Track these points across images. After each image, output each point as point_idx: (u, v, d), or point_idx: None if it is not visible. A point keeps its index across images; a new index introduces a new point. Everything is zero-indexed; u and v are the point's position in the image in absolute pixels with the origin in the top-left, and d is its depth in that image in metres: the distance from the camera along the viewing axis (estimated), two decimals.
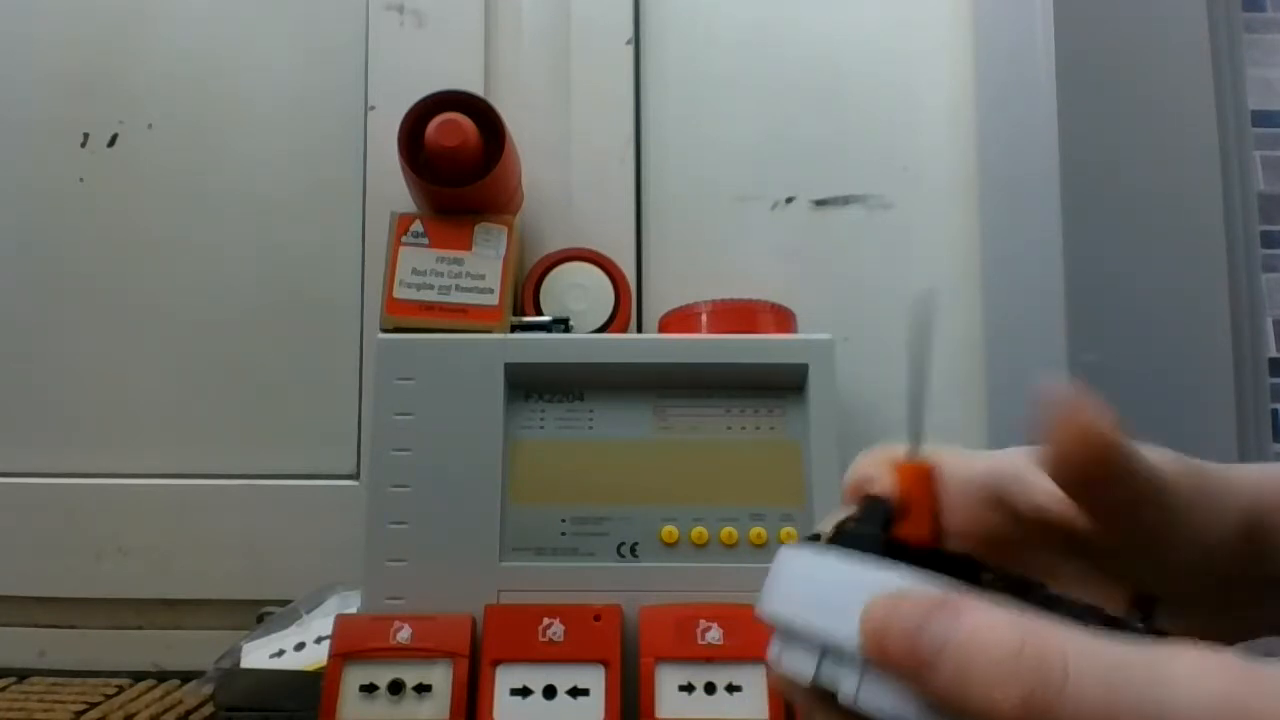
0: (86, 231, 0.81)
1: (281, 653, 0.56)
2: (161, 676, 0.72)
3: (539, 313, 0.72)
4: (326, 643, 0.50)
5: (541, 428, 0.56)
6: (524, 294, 0.73)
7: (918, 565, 0.20)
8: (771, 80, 0.81)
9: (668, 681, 0.48)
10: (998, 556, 0.26)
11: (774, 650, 0.23)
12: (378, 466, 0.54)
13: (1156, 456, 0.24)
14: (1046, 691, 0.16)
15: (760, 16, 0.82)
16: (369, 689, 0.48)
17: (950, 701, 0.17)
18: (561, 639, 0.49)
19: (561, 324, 0.69)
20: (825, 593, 0.21)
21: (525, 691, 0.48)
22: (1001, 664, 0.17)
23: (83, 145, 0.82)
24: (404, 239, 0.69)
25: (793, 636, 0.22)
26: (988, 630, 0.17)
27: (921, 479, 0.23)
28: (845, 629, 0.20)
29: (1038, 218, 0.72)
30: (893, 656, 0.18)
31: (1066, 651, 0.17)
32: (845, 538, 0.23)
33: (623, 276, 0.73)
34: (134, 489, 0.77)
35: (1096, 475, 0.23)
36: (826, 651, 0.21)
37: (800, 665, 0.21)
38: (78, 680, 0.71)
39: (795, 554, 0.23)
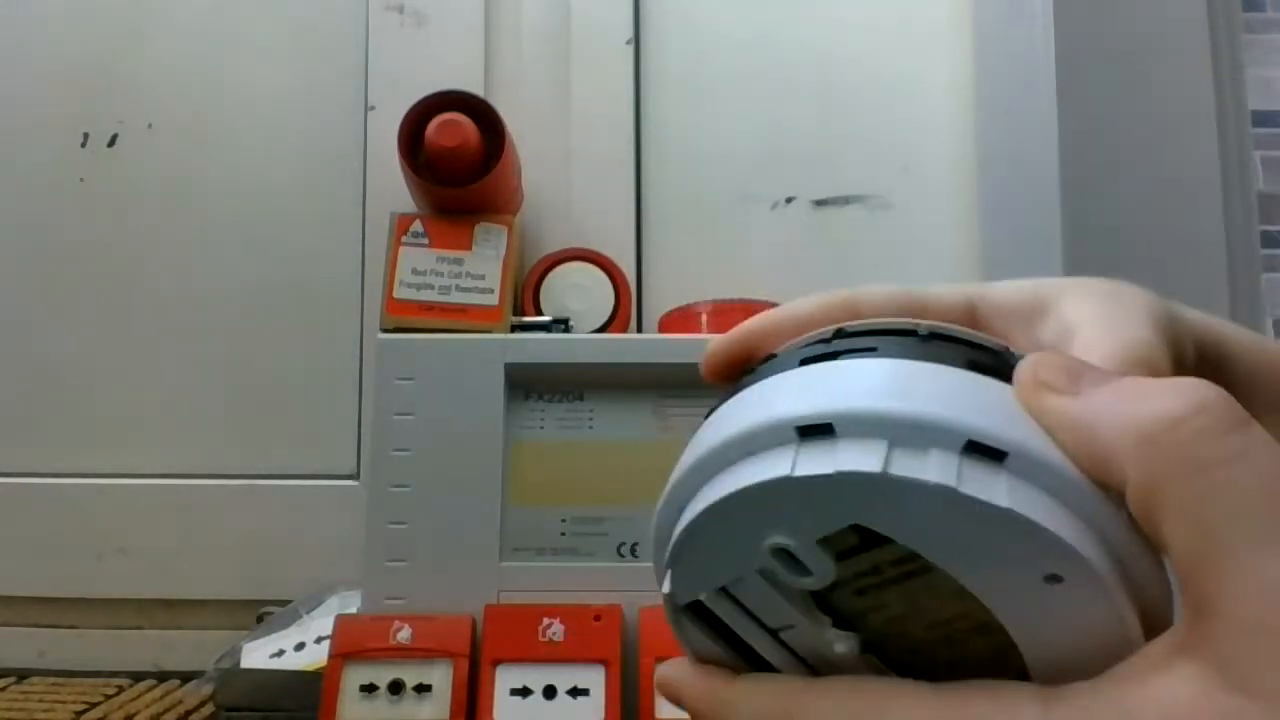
0: (86, 231, 0.81)
1: (281, 653, 0.56)
2: (161, 676, 0.72)
3: (539, 313, 0.72)
4: (326, 643, 0.50)
5: (541, 428, 0.56)
6: (524, 294, 0.73)
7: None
8: (771, 80, 0.81)
9: None
10: None
11: (726, 470, 0.18)
12: (378, 466, 0.54)
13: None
14: (1220, 424, 0.14)
15: (760, 16, 0.82)
16: (369, 689, 0.48)
17: (1099, 422, 0.15)
18: (561, 639, 0.49)
19: (561, 324, 0.69)
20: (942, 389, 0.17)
21: (525, 691, 0.48)
22: (1178, 390, 0.15)
23: (83, 145, 0.82)
24: (404, 239, 0.69)
25: (750, 444, 0.17)
26: (1159, 379, 0.16)
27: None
28: (932, 405, 0.16)
29: (1038, 218, 0.72)
30: (1046, 377, 0.16)
31: (1253, 422, 0.15)
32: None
33: (623, 276, 0.73)
34: (134, 489, 0.77)
35: None
36: (895, 441, 0.16)
37: (860, 456, 0.16)
38: (78, 680, 0.71)
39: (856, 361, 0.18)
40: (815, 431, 0.16)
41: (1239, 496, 0.14)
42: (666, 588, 0.19)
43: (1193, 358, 0.23)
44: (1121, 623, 0.15)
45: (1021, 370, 0.17)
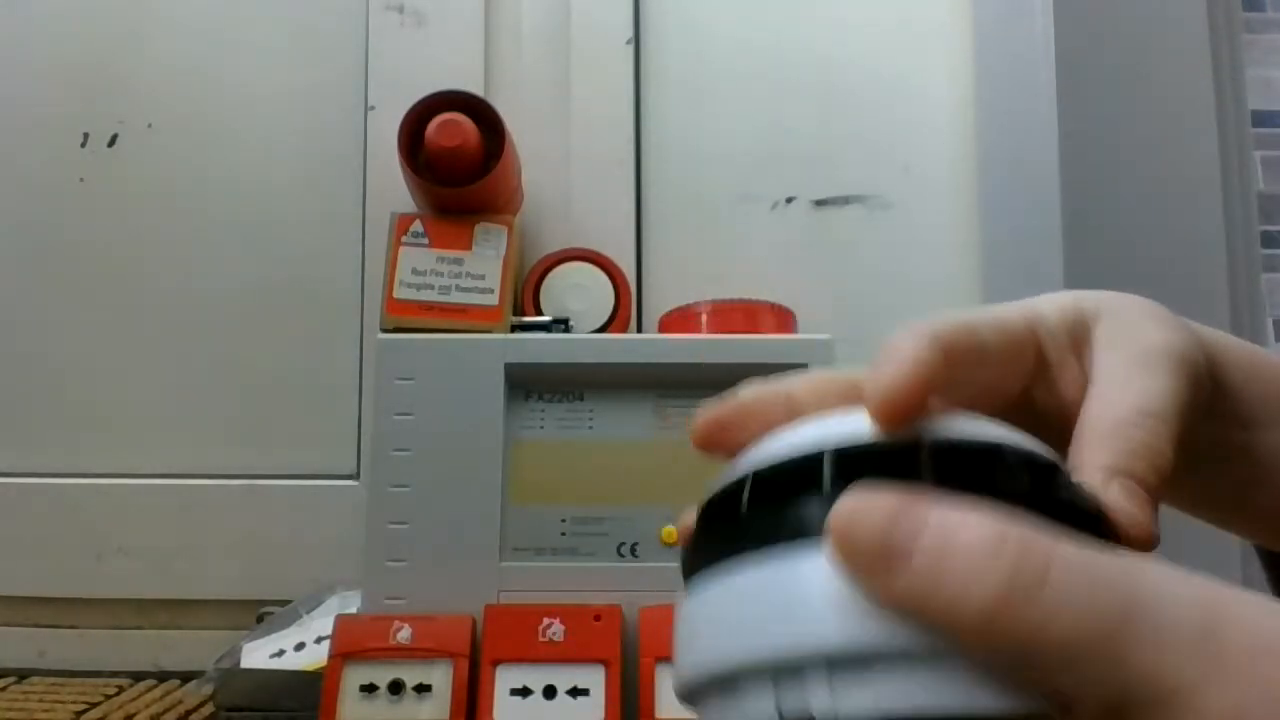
0: (86, 231, 0.81)
1: (281, 653, 0.56)
2: (161, 676, 0.72)
3: (539, 313, 0.72)
4: (326, 643, 0.50)
5: (541, 428, 0.56)
6: (524, 294, 0.73)
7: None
8: (771, 80, 0.81)
9: (668, 681, 0.48)
10: None
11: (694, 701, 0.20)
12: (378, 466, 0.54)
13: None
14: (1028, 584, 0.16)
15: (760, 16, 0.82)
16: (369, 689, 0.48)
17: (921, 598, 0.16)
18: (561, 639, 0.49)
19: (561, 324, 0.69)
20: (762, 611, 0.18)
21: (525, 691, 0.48)
22: (981, 555, 0.16)
23: (83, 145, 0.82)
24: (404, 239, 0.69)
25: (731, 688, 0.19)
26: (965, 523, 0.17)
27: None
28: (795, 629, 0.17)
29: (1038, 217, 0.72)
30: (863, 550, 0.17)
31: (1051, 550, 0.16)
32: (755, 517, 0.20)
33: (623, 276, 0.73)
34: (134, 489, 0.77)
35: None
36: (778, 679, 0.18)
37: (756, 709, 0.18)
38: (78, 680, 0.71)
39: (697, 590, 0.20)
40: (727, 683, 0.19)
41: (1062, 652, 0.16)
42: None
43: (1206, 374, 0.26)
44: None
45: (831, 544, 0.17)
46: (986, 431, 0.20)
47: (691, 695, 0.20)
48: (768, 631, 0.18)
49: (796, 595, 0.18)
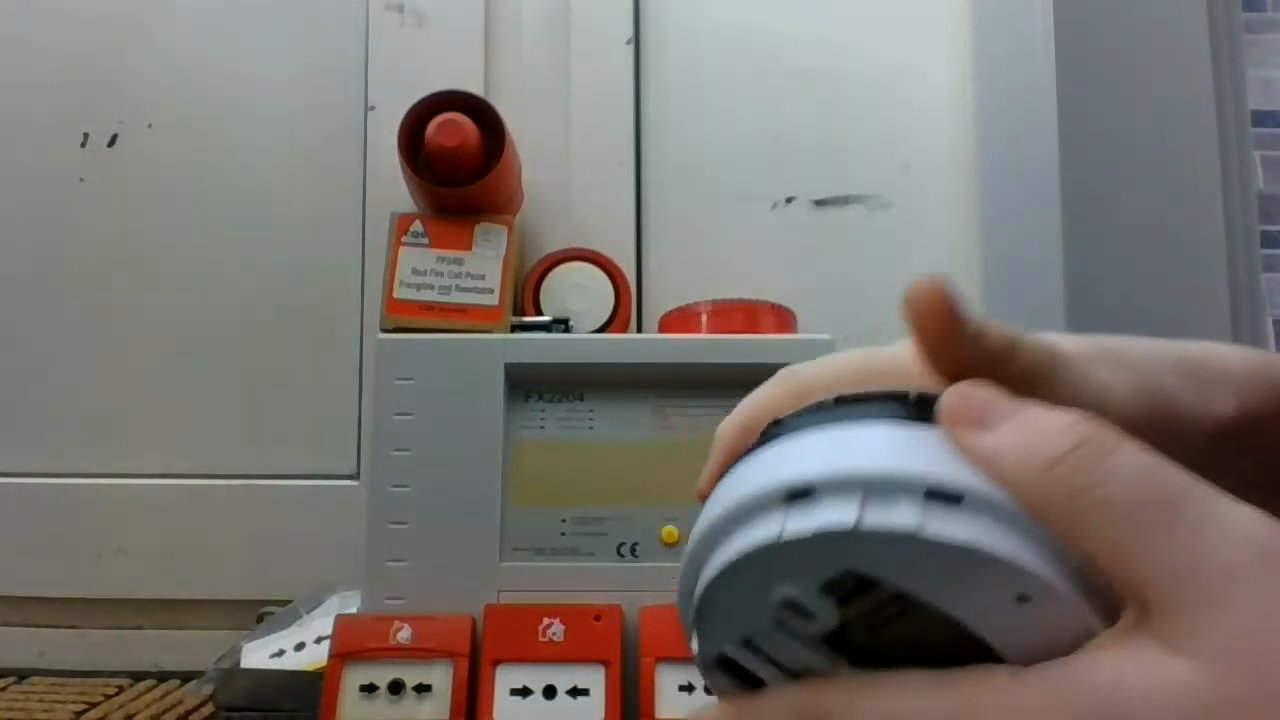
0: (86, 231, 0.81)
1: (281, 653, 0.56)
2: (161, 676, 0.72)
3: (539, 313, 0.72)
4: (326, 643, 0.50)
5: (541, 428, 0.56)
6: (524, 294, 0.73)
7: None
8: (772, 80, 0.81)
9: (668, 681, 0.48)
10: None
11: (728, 537, 0.20)
12: (378, 466, 0.54)
13: (1054, 336, 0.25)
14: (1094, 450, 0.18)
15: (760, 16, 0.82)
16: (369, 689, 0.48)
17: (999, 454, 0.18)
18: (561, 639, 0.49)
19: (561, 324, 0.69)
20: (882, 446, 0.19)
21: (525, 691, 0.48)
22: (1061, 424, 0.18)
23: (83, 145, 0.82)
24: (404, 239, 0.69)
25: (805, 498, 0.19)
26: (1050, 410, 0.19)
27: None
28: (892, 461, 0.19)
29: (1038, 217, 0.72)
30: (967, 414, 0.19)
31: (1119, 437, 0.18)
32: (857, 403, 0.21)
33: (623, 276, 0.73)
34: (134, 489, 0.77)
35: (944, 340, 0.24)
36: (869, 493, 0.18)
37: (836, 513, 0.18)
38: (78, 680, 0.71)
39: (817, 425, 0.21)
40: (800, 495, 0.19)
41: (1114, 509, 0.17)
42: (694, 646, 0.21)
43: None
44: (1084, 621, 0.18)
45: (942, 406, 0.20)
46: None
47: (733, 519, 0.20)
48: (863, 456, 0.19)
49: (884, 440, 0.19)
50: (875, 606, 0.19)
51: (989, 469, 0.18)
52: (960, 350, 0.23)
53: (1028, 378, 0.23)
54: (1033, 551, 0.18)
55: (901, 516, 0.18)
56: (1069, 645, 0.17)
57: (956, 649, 0.18)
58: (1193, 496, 0.17)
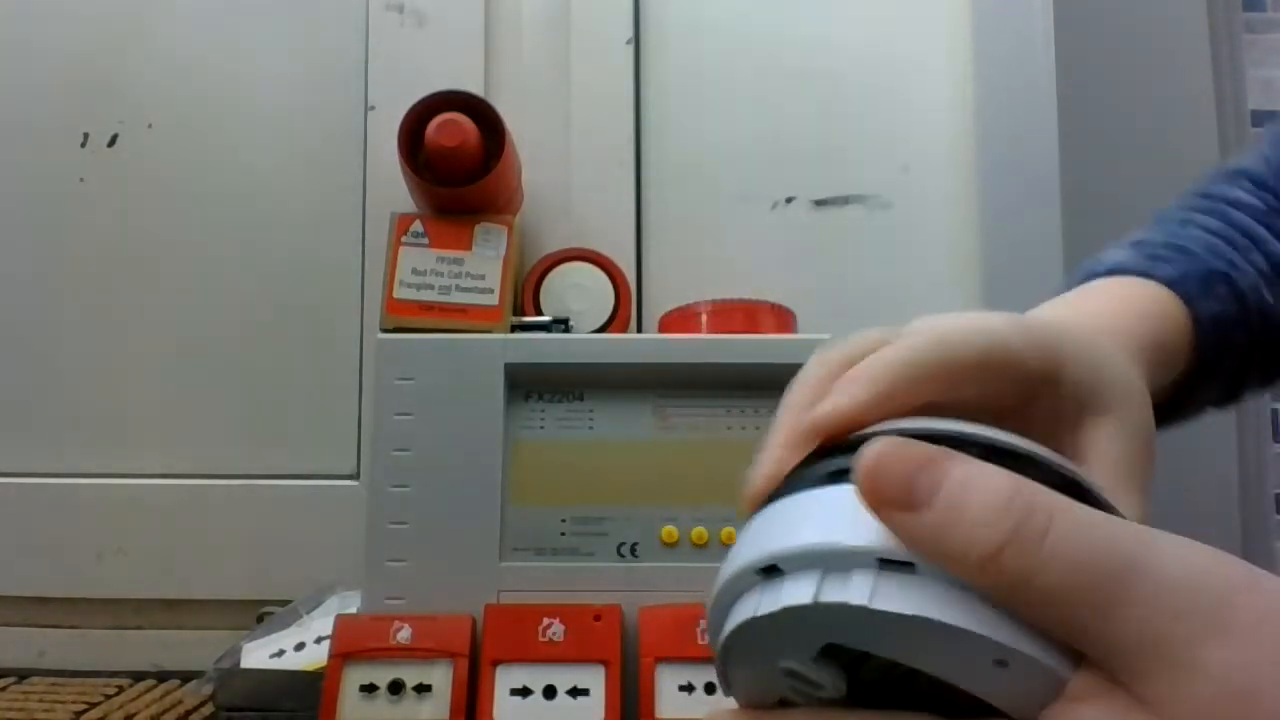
0: (86, 231, 0.81)
1: (281, 653, 0.56)
2: (161, 676, 0.72)
3: (539, 313, 0.72)
4: (326, 643, 0.50)
5: (541, 428, 0.56)
6: (524, 294, 0.73)
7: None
8: (771, 80, 0.81)
9: (668, 681, 0.48)
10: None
11: (731, 606, 0.20)
12: (378, 466, 0.54)
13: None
14: (1030, 534, 0.17)
15: (760, 16, 0.82)
16: (369, 689, 0.48)
17: (935, 541, 0.18)
18: (561, 639, 0.49)
19: (561, 324, 0.69)
20: (817, 516, 0.20)
21: (525, 691, 0.48)
22: (991, 507, 0.17)
23: (83, 145, 0.82)
24: (404, 239, 0.69)
25: (775, 575, 0.20)
26: (980, 478, 0.18)
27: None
28: (848, 532, 0.18)
29: (1038, 217, 0.72)
30: (885, 493, 0.18)
31: (1055, 506, 0.17)
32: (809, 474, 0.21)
33: (623, 276, 0.73)
34: (134, 489, 0.77)
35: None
36: (827, 570, 0.18)
37: (797, 590, 0.19)
38: (78, 680, 0.71)
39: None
40: (770, 572, 0.19)
41: (1062, 594, 0.17)
42: (725, 685, 0.22)
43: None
44: (1061, 674, 0.17)
45: (858, 482, 0.19)
46: (995, 432, 0.21)
47: (727, 592, 0.21)
48: (823, 530, 0.19)
49: (848, 509, 0.19)
50: (878, 666, 0.19)
51: (928, 554, 0.18)
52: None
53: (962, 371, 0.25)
54: (992, 619, 0.17)
55: (855, 591, 0.18)
56: (1053, 692, 0.18)
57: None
58: (1136, 564, 0.17)
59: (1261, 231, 0.42)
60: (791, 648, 0.19)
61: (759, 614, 0.19)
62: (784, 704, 0.20)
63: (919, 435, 0.20)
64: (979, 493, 0.18)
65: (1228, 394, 0.43)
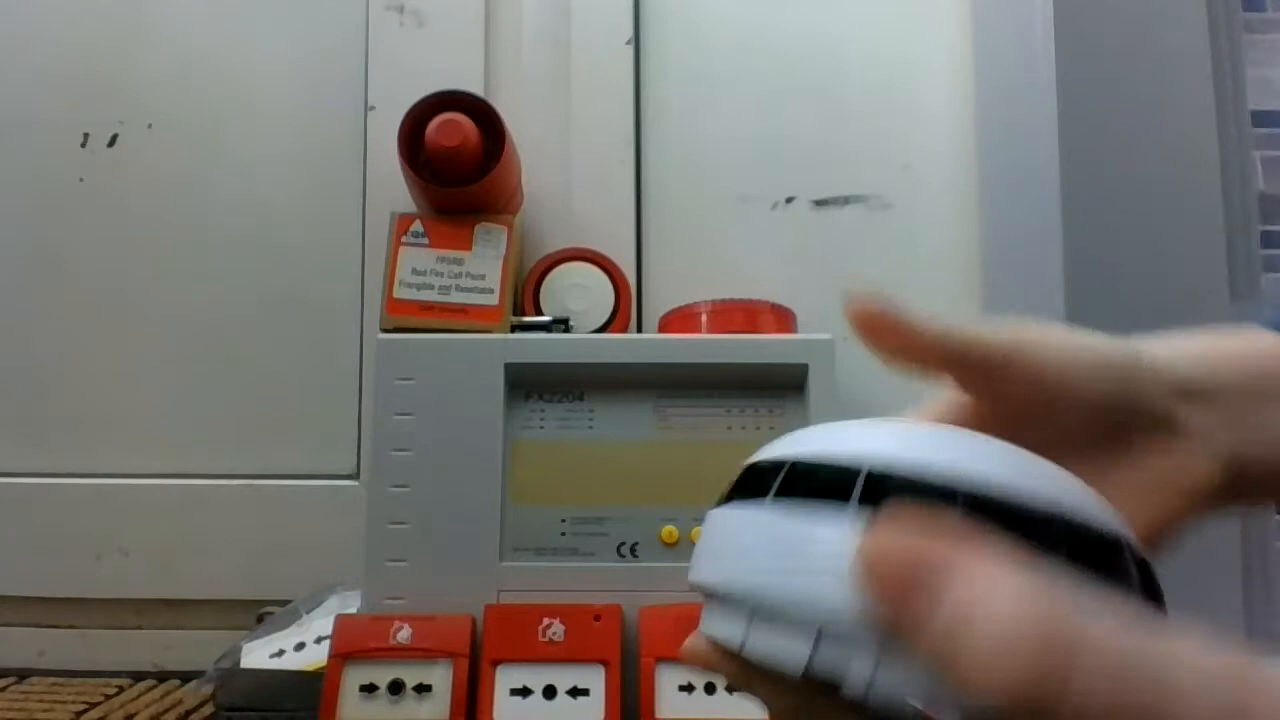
0: (86, 231, 0.81)
1: (281, 653, 0.56)
2: (161, 676, 0.72)
3: (539, 313, 0.72)
4: (326, 643, 0.50)
5: (541, 428, 0.56)
6: (524, 294, 0.73)
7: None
8: (772, 80, 0.81)
9: (668, 681, 0.48)
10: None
11: (718, 626, 0.20)
12: (378, 466, 0.54)
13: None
14: (1055, 674, 0.16)
15: (760, 16, 0.82)
16: (369, 689, 0.48)
17: (944, 658, 0.17)
18: (561, 639, 0.49)
19: (561, 324, 0.69)
20: (801, 555, 0.19)
21: (525, 691, 0.48)
22: (1005, 637, 0.16)
23: (83, 145, 0.82)
24: (404, 239, 0.69)
25: (762, 610, 0.19)
26: (989, 599, 0.17)
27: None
28: (839, 598, 0.17)
29: (1038, 217, 0.72)
30: (884, 594, 0.17)
31: (1077, 638, 0.16)
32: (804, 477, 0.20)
33: (623, 276, 0.73)
34: (134, 489, 0.77)
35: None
36: (822, 632, 0.18)
37: (786, 647, 0.18)
38: (78, 680, 0.71)
39: (740, 515, 0.21)
40: (711, 596, 0.21)
41: (1093, 715, 0.16)
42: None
43: None
44: None
45: (864, 578, 0.18)
46: (1019, 476, 0.20)
47: (710, 595, 0.21)
48: (820, 581, 0.18)
49: (841, 558, 0.18)
50: None
51: (929, 664, 0.17)
52: (906, 343, 0.26)
53: (984, 369, 0.26)
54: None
55: (857, 665, 0.18)
56: None
57: None
58: (1164, 685, 0.16)
59: None
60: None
61: (703, 633, 0.21)
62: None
63: (934, 486, 0.18)
64: (985, 622, 0.16)
65: None
